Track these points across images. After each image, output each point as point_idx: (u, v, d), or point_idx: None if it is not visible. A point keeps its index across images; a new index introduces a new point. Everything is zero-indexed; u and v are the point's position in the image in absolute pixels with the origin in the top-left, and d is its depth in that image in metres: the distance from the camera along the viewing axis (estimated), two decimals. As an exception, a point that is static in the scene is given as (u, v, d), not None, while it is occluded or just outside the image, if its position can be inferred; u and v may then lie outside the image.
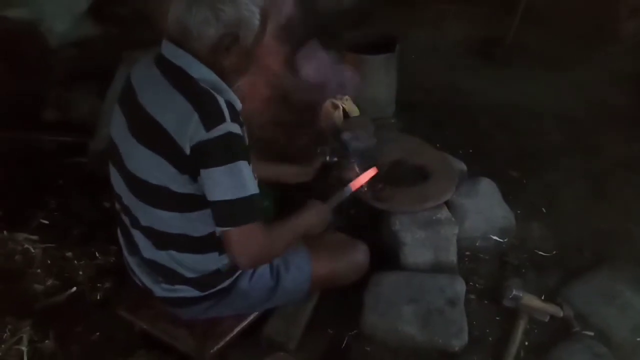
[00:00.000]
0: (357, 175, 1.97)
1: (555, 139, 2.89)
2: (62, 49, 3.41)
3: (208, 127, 1.41)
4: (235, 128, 1.46)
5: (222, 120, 1.43)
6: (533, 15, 3.60)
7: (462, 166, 2.42)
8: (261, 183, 1.56)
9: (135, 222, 1.62)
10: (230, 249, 1.49)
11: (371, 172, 2.01)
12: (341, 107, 2.32)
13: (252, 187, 1.47)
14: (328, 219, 1.80)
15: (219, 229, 1.48)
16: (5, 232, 2.39)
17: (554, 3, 3.73)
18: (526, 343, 1.93)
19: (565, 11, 3.70)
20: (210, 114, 1.42)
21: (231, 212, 1.45)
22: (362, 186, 1.99)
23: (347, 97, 2.38)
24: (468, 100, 3.16)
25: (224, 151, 1.43)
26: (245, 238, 1.47)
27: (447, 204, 2.20)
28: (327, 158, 2.08)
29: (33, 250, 2.32)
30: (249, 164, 1.49)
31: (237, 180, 1.45)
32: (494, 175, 2.39)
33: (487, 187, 2.30)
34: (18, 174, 2.74)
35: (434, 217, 2.12)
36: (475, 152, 2.75)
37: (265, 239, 1.51)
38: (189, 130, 1.41)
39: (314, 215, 1.74)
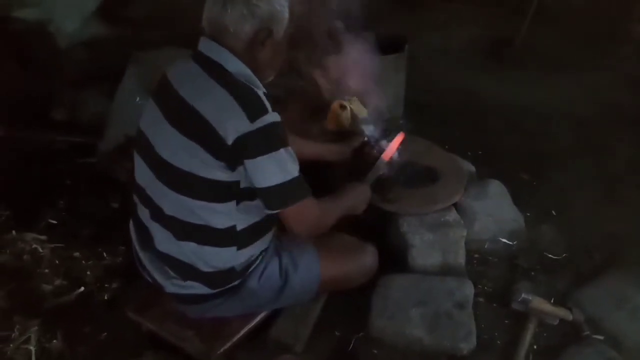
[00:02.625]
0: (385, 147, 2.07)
1: (565, 141, 2.87)
2: (72, 50, 3.43)
3: (252, 119, 1.46)
4: (276, 117, 1.52)
5: (265, 111, 1.48)
6: (543, 16, 3.58)
7: (471, 168, 2.41)
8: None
9: (157, 213, 1.64)
10: (289, 226, 1.61)
11: (399, 139, 2.09)
12: (349, 108, 2.32)
13: (295, 170, 1.56)
14: (369, 197, 1.91)
15: (270, 212, 1.57)
16: (14, 231, 2.40)
17: (564, 4, 3.71)
18: (535, 347, 1.92)
19: (576, 12, 3.68)
20: (252, 106, 1.48)
21: (280, 195, 1.54)
22: (394, 153, 2.07)
23: (355, 97, 2.37)
24: (477, 101, 3.14)
25: (268, 141, 1.50)
26: (300, 214, 1.59)
27: (456, 206, 2.19)
28: (366, 138, 2.16)
29: (41, 250, 2.32)
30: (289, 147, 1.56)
31: (282, 166, 1.52)
32: (503, 177, 2.37)
33: (497, 189, 2.28)
34: (27, 173, 2.75)
35: (442, 219, 2.11)
36: (485, 154, 2.74)
37: (318, 211, 1.64)
38: (232, 122, 1.46)
39: (356, 195, 1.87)
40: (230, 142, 1.47)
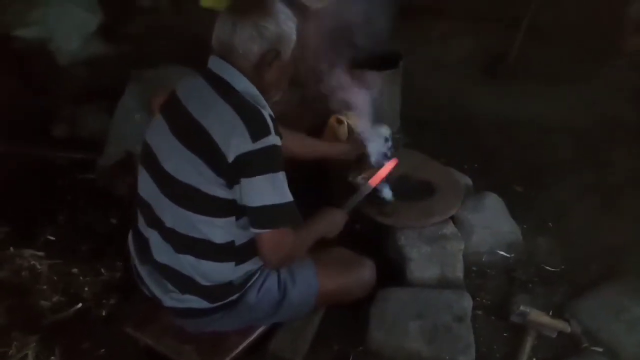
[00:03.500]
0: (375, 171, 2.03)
1: (562, 153, 2.88)
2: (73, 67, 3.46)
3: (255, 139, 1.48)
4: (278, 140, 1.54)
5: (268, 132, 1.51)
6: (537, 30, 3.61)
7: (468, 181, 2.42)
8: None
9: (158, 225, 1.65)
10: (263, 250, 1.59)
11: (391, 165, 2.06)
12: (346, 123, 2.33)
13: (289, 195, 1.56)
14: (343, 223, 1.88)
15: (255, 231, 1.56)
16: (12, 248, 2.41)
17: (558, 18, 3.74)
18: (534, 359, 1.91)
19: (569, 26, 3.70)
20: (256, 126, 1.50)
21: (269, 216, 1.54)
22: (382, 180, 2.03)
23: (352, 112, 2.39)
24: (473, 115, 3.16)
25: (267, 162, 1.51)
26: (277, 240, 1.57)
27: (453, 219, 2.19)
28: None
29: (39, 267, 2.33)
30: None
31: (277, 188, 1.53)
32: (500, 190, 2.38)
33: (494, 202, 2.29)
34: (26, 189, 2.76)
35: (439, 232, 2.12)
36: (481, 167, 2.75)
37: (294, 242, 1.61)
38: (234, 140, 1.48)
39: (330, 221, 1.85)
40: (230, 159, 1.48)
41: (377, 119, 2.30)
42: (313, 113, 2.54)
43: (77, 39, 3.52)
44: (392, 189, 2.15)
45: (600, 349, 1.92)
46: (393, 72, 2.69)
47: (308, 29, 2.35)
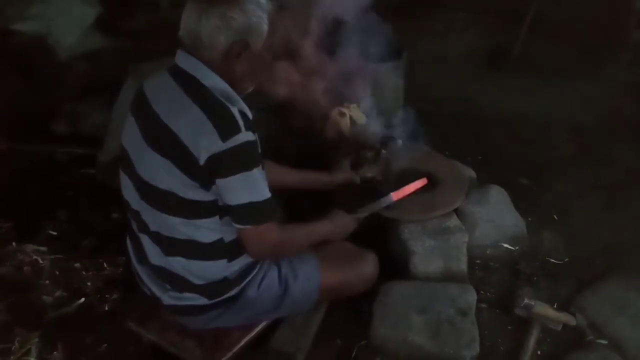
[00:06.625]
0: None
1: (565, 148, 2.88)
2: (72, 62, 3.45)
3: (224, 138, 1.44)
4: (250, 136, 1.48)
5: (238, 130, 1.45)
6: (541, 24, 3.60)
7: (472, 174, 2.40)
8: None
9: (145, 228, 1.63)
10: (246, 245, 1.59)
11: (419, 183, 2.03)
12: (348, 115, 2.32)
13: (266, 191, 1.54)
14: (351, 229, 1.87)
15: (237, 226, 1.55)
16: (14, 243, 2.41)
17: (562, 12, 3.73)
18: (539, 352, 1.91)
19: (573, 20, 3.69)
20: (225, 125, 1.45)
21: (249, 213, 1.52)
22: (405, 197, 2.01)
23: (354, 104, 2.38)
24: (477, 109, 3.16)
25: (240, 161, 1.48)
26: (260, 236, 1.56)
27: (457, 212, 2.18)
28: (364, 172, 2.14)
29: (42, 262, 2.33)
30: (262, 168, 1.54)
31: (253, 186, 1.51)
32: (504, 183, 2.37)
33: (498, 195, 2.28)
34: (28, 185, 2.76)
35: (443, 226, 2.10)
36: (485, 160, 2.75)
37: (279, 237, 1.60)
38: (204, 141, 1.44)
39: (335, 226, 1.83)
40: (202, 162, 1.45)
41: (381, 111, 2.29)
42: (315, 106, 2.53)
43: (75, 32, 3.50)
44: (394, 186, 2.13)
45: (605, 342, 1.91)
46: (396, 64, 2.68)
47: (308, 18, 2.33)
